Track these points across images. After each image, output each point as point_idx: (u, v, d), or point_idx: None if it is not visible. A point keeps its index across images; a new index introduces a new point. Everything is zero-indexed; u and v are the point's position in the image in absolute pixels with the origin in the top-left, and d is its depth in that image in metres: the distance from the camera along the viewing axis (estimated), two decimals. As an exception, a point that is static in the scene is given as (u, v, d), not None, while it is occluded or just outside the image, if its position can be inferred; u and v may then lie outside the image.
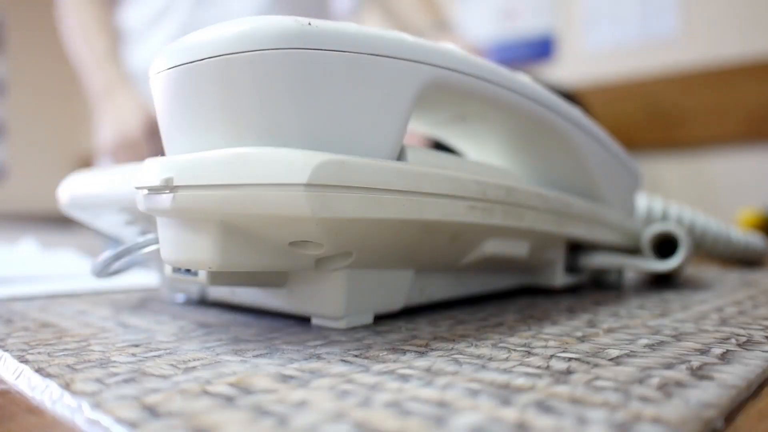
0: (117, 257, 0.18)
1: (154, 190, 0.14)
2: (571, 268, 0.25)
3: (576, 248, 0.25)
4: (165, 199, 0.14)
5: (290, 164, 0.13)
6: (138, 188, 0.15)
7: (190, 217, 0.14)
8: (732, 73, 0.99)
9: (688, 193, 1.02)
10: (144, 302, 0.22)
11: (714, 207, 0.99)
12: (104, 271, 0.19)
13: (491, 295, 0.23)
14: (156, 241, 0.17)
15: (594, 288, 0.25)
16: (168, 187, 0.14)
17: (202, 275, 0.16)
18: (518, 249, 0.20)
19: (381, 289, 0.17)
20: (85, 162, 2.54)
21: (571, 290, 0.25)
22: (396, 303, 0.18)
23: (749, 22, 0.99)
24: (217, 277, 0.16)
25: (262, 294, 0.18)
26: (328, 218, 0.13)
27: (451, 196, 0.16)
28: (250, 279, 0.17)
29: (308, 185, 0.13)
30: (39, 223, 1.40)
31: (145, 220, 0.20)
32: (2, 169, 2.46)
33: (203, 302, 0.21)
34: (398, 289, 0.18)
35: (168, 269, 0.18)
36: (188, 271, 0.17)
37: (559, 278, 0.23)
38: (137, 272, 0.30)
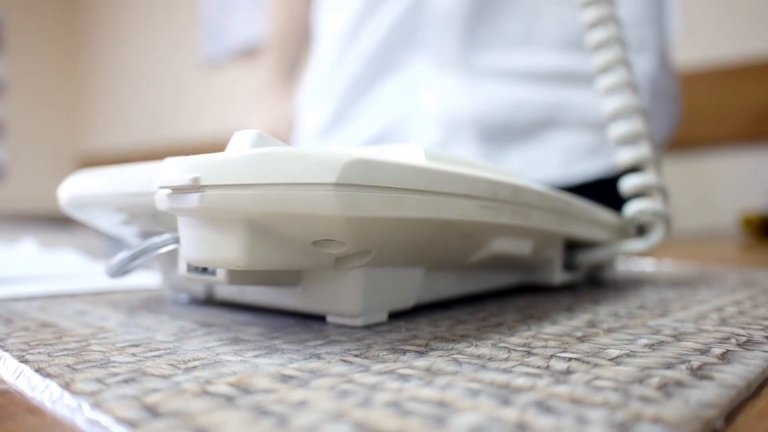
0: (134, 258, 0.18)
1: (179, 190, 0.14)
2: (568, 265, 0.25)
3: (571, 246, 0.25)
4: (192, 199, 0.14)
5: (319, 164, 0.13)
6: (161, 188, 0.15)
7: (217, 217, 0.14)
8: (732, 73, 0.99)
9: (688, 193, 1.02)
10: (144, 302, 0.22)
11: (714, 207, 0.99)
12: (119, 271, 0.19)
13: (491, 295, 0.23)
14: (173, 241, 0.17)
15: (590, 286, 0.25)
16: (195, 186, 0.14)
17: (221, 275, 0.16)
18: (522, 247, 0.20)
19: (395, 287, 0.18)
20: (85, 162, 2.54)
21: (568, 288, 0.25)
22: (408, 300, 0.18)
23: (749, 22, 0.99)
24: (237, 276, 0.16)
25: (273, 293, 0.18)
26: (355, 217, 0.13)
27: (465, 195, 0.16)
28: (268, 278, 0.17)
29: (337, 184, 0.13)
30: (39, 223, 1.40)
31: (145, 220, 0.20)
32: (2, 169, 2.46)
33: (209, 302, 0.21)
34: (410, 286, 0.18)
35: (182, 269, 0.18)
36: (205, 270, 0.17)
37: (557, 276, 0.24)
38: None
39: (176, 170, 0.14)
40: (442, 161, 0.17)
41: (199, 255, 0.15)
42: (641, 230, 0.28)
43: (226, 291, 0.20)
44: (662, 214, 0.26)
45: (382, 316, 0.18)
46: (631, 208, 0.26)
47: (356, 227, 0.14)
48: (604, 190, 0.46)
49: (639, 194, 0.26)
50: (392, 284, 0.18)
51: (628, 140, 0.26)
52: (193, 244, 0.15)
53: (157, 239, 0.18)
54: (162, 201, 0.15)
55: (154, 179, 0.17)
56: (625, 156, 0.26)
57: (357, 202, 0.13)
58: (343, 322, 0.17)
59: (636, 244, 0.26)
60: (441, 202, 0.15)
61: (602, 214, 0.25)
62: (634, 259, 0.39)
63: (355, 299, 0.17)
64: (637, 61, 0.56)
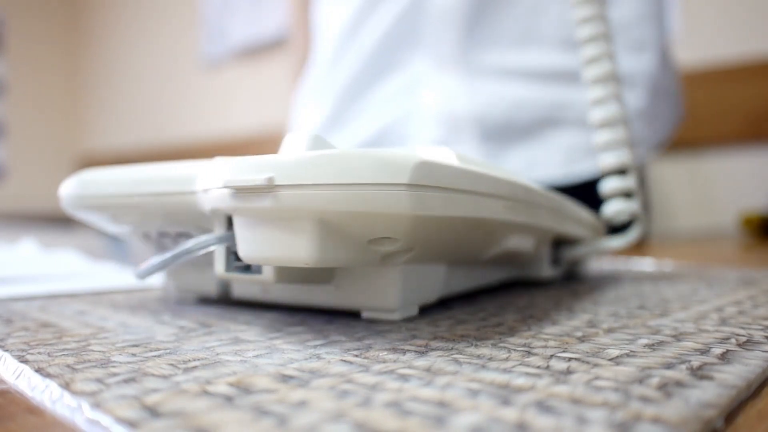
0: (174, 259, 0.17)
1: (248, 190, 0.14)
2: (554, 261, 0.27)
3: (555, 243, 0.27)
4: (264, 199, 0.14)
5: (391, 165, 0.14)
6: (224, 188, 0.15)
7: (288, 216, 0.14)
8: (732, 73, 0.99)
9: (688, 193, 1.02)
10: (144, 302, 0.22)
11: (714, 207, 0.99)
12: (152, 274, 0.18)
13: (491, 295, 0.23)
14: (216, 242, 0.17)
15: (590, 285, 0.25)
16: (269, 186, 0.14)
17: (268, 274, 0.17)
18: (526, 244, 0.22)
19: (424, 283, 0.18)
20: (85, 162, 2.54)
21: (562, 286, 0.25)
22: (433, 295, 0.19)
23: (749, 22, 0.99)
24: (285, 275, 0.17)
25: (302, 291, 0.19)
26: (421, 215, 0.14)
27: (496, 195, 0.17)
28: (309, 276, 0.17)
29: (409, 185, 0.14)
30: (39, 223, 1.40)
31: (158, 220, 0.19)
32: (2, 169, 2.46)
33: (223, 301, 0.21)
34: (436, 282, 0.19)
35: (220, 269, 0.18)
36: (247, 270, 0.17)
37: (546, 270, 0.26)
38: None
39: (245, 170, 0.15)
40: (470, 163, 0.18)
41: (264, 254, 0.15)
42: (613, 230, 0.31)
43: (245, 290, 0.20)
44: (638, 214, 0.28)
45: (414, 311, 0.18)
46: (610, 208, 0.29)
47: (417, 226, 0.15)
48: None
49: (618, 196, 0.29)
50: (422, 280, 0.18)
51: (611, 147, 0.29)
52: (257, 243, 0.15)
53: (195, 241, 0.17)
54: (221, 201, 0.15)
55: (188, 180, 0.18)
56: (607, 161, 0.29)
57: (424, 202, 0.14)
58: (379, 317, 0.18)
59: (615, 242, 0.29)
60: (479, 201, 0.16)
61: (584, 212, 0.27)
62: (633, 259, 0.39)
63: (393, 295, 0.17)
64: (637, 60, 0.56)
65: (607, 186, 0.29)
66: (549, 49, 0.54)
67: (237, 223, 0.16)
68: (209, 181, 0.16)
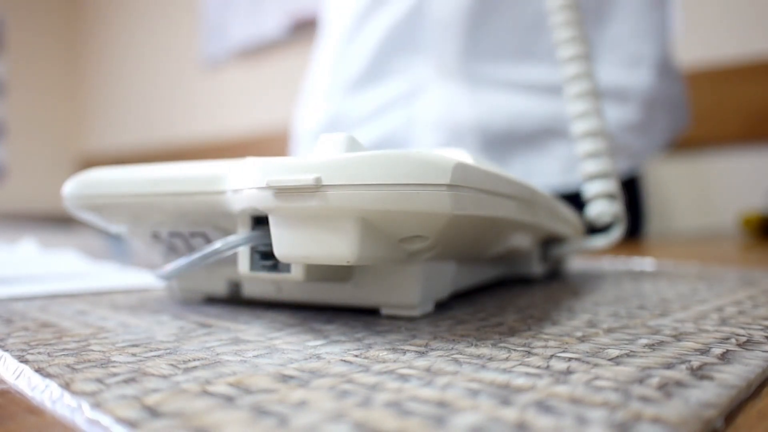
0: (203, 260, 0.17)
1: (293, 190, 0.15)
2: (542, 258, 0.28)
3: (544, 241, 0.28)
4: (310, 198, 0.15)
5: (433, 165, 0.14)
6: (267, 188, 0.15)
7: (332, 215, 0.15)
8: (732, 73, 0.99)
9: (688, 193, 1.02)
10: (144, 302, 0.22)
11: (714, 207, 0.99)
12: (176, 275, 0.18)
13: (491, 295, 0.23)
14: (244, 242, 0.17)
15: (576, 282, 0.25)
16: (316, 186, 0.14)
17: (297, 273, 0.17)
18: (526, 242, 0.23)
19: (439, 279, 0.19)
20: (85, 162, 2.54)
21: (556, 284, 0.25)
22: (446, 291, 0.20)
23: (749, 22, 0.99)
24: (313, 273, 0.17)
25: (318, 289, 0.19)
26: (458, 215, 0.15)
27: (512, 196, 0.18)
28: (334, 274, 0.18)
29: (450, 185, 0.14)
30: (39, 223, 1.40)
31: (173, 220, 0.19)
32: (2, 169, 2.46)
33: (233, 300, 0.21)
34: (448, 278, 0.20)
35: (244, 269, 0.18)
36: (274, 269, 0.17)
37: (536, 267, 0.27)
38: (136, 272, 0.30)
39: (291, 171, 0.15)
40: (485, 165, 0.18)
41: (304, 252, 0.15)
42: (593, 230, 0.33)
43: (258, 289, 0.20)
44: (620, 215, 0.30)
45: (431, 307, 0.19)
46: (594, 210, 0.30)
47: (450, 224, 0.15)
48: None
49: (600, 198, 0.31)
50: (438, 277, 0.19)
51: (592, 155, 0.31)
52: (296, 242, 0.15)
53: (224, 242, 0.17)
54: (258, 200, 0.16)
55: (211, 180, 0.18)
56: (588, 168, 0.31)
57: (462, 202, 0.15)
58: (399, 314, 0.18)
59: (598, 241, 0.30)
60: (502, 202, 0.17)
61: (570, 212, 0.28)
62: (633, 259, 0.39)
63: (413, 291, 0.18)
64: (631, 75, 0.56)
65: (590, 189, 0.30)
66: (548, 63, 0.55)
67: (273, 222, 0.16)
68: (243, 181, 0.16)
